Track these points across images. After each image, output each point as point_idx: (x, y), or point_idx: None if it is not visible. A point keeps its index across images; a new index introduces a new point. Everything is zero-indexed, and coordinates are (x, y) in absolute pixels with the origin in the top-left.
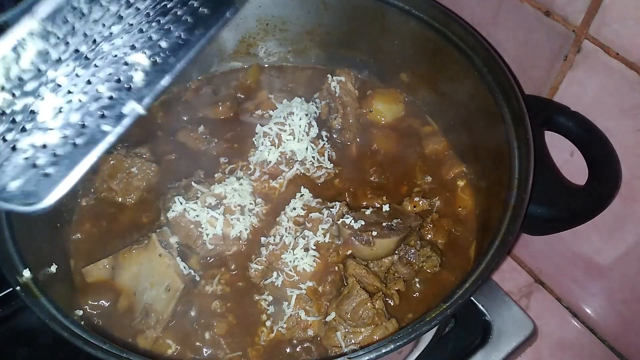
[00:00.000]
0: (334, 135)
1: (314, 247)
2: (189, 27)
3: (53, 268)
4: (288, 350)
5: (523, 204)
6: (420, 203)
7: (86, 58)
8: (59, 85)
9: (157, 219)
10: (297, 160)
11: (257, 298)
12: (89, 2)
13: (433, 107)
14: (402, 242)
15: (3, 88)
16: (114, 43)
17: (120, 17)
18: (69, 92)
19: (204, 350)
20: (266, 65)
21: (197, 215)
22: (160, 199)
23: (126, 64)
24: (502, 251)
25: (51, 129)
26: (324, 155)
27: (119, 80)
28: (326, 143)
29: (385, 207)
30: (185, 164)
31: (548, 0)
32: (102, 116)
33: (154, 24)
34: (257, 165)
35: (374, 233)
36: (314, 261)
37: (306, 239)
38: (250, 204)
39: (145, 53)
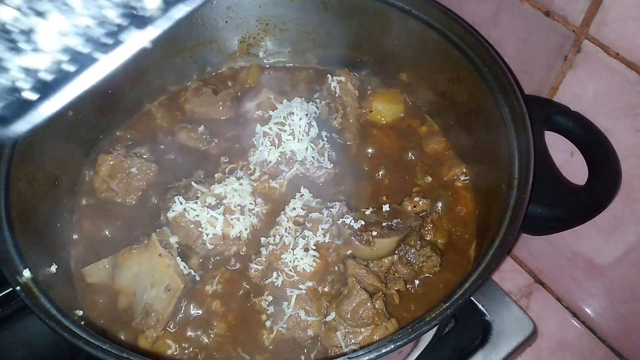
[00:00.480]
0: (334, 135)
1: (314, 247)
2: None
3: (53, 268)
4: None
5: (523, 204)
6: (420, 203)
7: None
8: (69, 6)
9: (157, 219)
10: (297, 160)
11: (257, 298)
12: None
13: (433, 107)
14: (402, 242)
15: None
16: None
17: None
18: (77, 14)
19: (204, 350)
20: (266, 65)
21: (197, 215)
22: (160, 199)
23: None
24: (502, 251)
25: (44, 52)
26: (324, 155)
27: (130, 7)
28: (326, 143)
29: (385, 207)
30: (185, 164)
31: (548, 0)
32: (102, 45)
33: None
34: (257, 165)
35: (374, 233)
36: (314, 261)
37: (306, 239)
38: (250, 204)
39: None
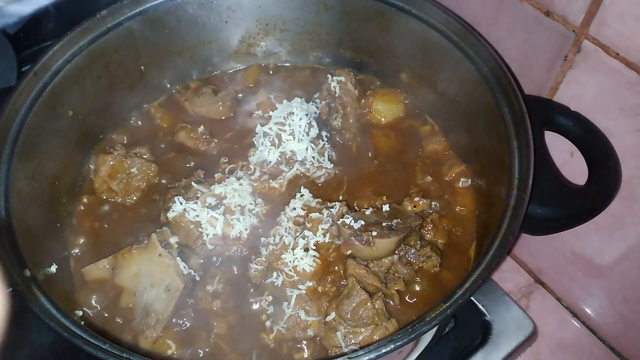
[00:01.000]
0: (334, 135)
1: (314, 247)
2: None
3: (53, 268)
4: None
5: (523, 204)
6: (420, 203)
7: None
8: None
9: (157, 219)
10: (297, 160)
11: (257, 298)
12: None
13: (433, 107)
14: (402, 242)
15: None
16: None
17: None
18: None
19: (204, 350)
20: (266, 65)
21: (197, 215)
22: (160, 199)
23: None
24: (502, 251)
25: None
26: (324, 155)
27: None
28: (326, 143)
29: (385, 207)
30: (185, 164)
31: (548, 0)
32: None
33: None
34: (257, 165)
35: (374, 233)
36: (313, 261)
37: (306, 239)
38: (250, 204)
39: None
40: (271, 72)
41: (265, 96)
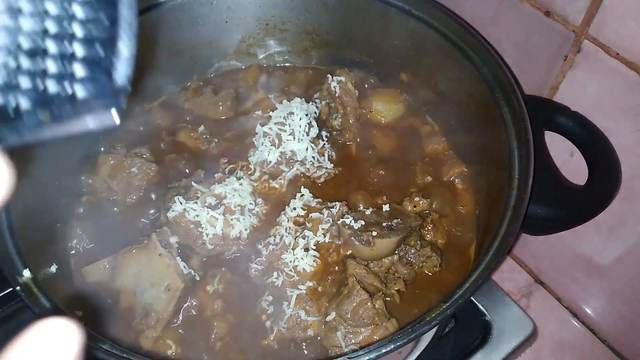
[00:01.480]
0: (334, 135)
1: (314, 247)
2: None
3: (53, 268)
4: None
5: (523, 204)
6: (421, 203)
7: None
8: None
9: (157, 219)
10: (297, 160)
11: (257, 298)
12: None
13: (433, 107)
14: (402, 242)
15: None
16: None
17: None
18: None
19: (205, 350)
20: (266, 65)
21: (197, 215)
22: (160, 199)
23: None
24: (502, 251)
25: None
26: (324, 155)
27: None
28: (326, 143)
29: (385, 207)
30: (185, 164)
31: (548, 0)
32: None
33: None
34: (257, 165)
35: (374, 233)
36: (314, 261)
37: (306, 239)
38: (250, 204)
39: None
40: (271, 72)
41: (265, 96)
